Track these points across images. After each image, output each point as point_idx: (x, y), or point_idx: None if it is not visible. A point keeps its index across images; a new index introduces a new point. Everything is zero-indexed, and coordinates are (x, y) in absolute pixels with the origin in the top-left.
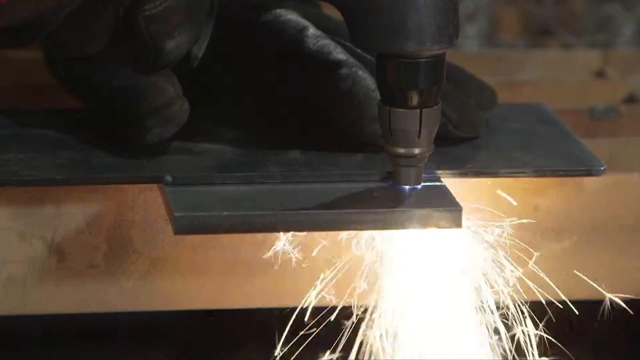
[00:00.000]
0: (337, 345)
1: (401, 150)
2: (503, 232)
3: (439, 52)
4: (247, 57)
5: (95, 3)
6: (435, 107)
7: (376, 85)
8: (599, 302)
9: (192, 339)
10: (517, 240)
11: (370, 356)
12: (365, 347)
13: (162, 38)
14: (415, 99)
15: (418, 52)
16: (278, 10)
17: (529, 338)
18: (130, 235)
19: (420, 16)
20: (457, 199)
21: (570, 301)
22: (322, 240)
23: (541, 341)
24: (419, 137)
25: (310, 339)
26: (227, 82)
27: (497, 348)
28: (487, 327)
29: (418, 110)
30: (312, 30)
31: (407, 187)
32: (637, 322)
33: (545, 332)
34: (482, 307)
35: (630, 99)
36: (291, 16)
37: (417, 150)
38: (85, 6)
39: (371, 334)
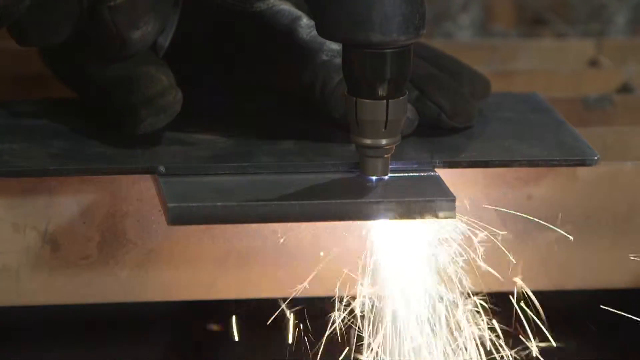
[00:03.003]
0: (330, 335)
1: (368, 141)
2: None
3: (406, 43)
4: (240, 47)
5: None
6: (401, 97)
7: None
8: (593, 292)
9: (186, 329)
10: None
11: (370, 348)
12: (361, 339)
13: (127, 28)
14: (381, 90)
15: (384, 43)
16: (271, 0)
17: (522, 328)
18: (124, 226)
19: (385, 6)
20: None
21: (563, 291)
22: (315, 230)
23: (534, 330)
24: (385, 127)
25: (304, 329)
26: (220, 72)
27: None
28: (476, 319)
29: (385, 101)
30: (305, 20)
31: (374, 177)
32: (629, 312)
33: (539, 321)
34: (472, 296)
35: (624, 88)
36: (284, 6)
37: (384, 141)
38: None
39: (364, 324)
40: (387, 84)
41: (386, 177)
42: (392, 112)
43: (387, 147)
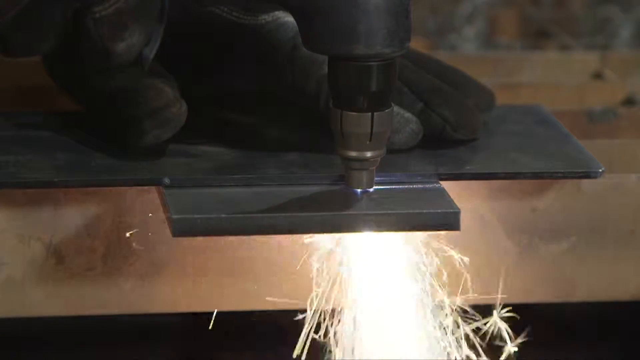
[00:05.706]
0: (333, 347)
1: (353, 154)
2: None
3: (391, 56)
4: (244, 59)
5: (42, 4)
6: (387, 110)
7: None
8: (597, 304)
9: (190, 341)
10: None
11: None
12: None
13: (112, 40)
14: (366, 102)
15: (368, 56)
16: (276, 13)
17: (527, 340)
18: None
19: (370, 19)
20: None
21: (568, 303)
22: (321, 241)
23: (540, 343)
24: (370, 140)
25: (309, 341)
26: (225, 84)
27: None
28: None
29: (369, 113)
30: None
31: (359, 190)
32: (634, 324)
33: (542, 334)
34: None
35: (628, 101)
36: (289, 18)
37: (369, 154)
38: (32, 7)
39: (368, 336)
40: (372, 97)
41: (371, 190)
42: (377, 124)
43: (372, 159)
